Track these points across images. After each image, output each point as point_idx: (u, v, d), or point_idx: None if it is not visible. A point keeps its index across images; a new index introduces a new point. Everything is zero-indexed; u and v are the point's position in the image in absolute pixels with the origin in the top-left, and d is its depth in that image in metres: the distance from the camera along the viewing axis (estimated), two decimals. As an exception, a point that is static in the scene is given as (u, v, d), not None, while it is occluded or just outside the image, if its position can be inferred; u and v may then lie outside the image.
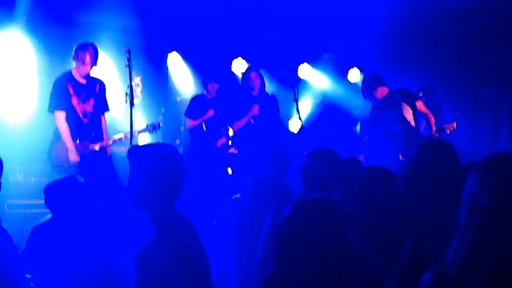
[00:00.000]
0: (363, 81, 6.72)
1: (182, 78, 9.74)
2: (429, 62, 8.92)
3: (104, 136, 6.10)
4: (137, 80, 9.32)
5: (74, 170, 5.55)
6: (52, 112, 5.85)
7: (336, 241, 1.97)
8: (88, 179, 5.30)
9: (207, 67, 8.41)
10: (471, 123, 8.28)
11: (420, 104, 6.58)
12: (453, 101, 8.28)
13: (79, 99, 5.86)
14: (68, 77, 5.88)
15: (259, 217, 3.48)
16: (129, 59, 5.40)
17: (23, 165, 7.32)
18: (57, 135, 5.86)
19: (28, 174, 7.35)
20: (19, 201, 6.84)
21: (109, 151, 6.10)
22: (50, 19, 7.81)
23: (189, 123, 7.29)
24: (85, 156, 5.85)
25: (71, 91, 5.83)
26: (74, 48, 5.87)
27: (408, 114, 6.47)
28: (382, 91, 6.55)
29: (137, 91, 9.27)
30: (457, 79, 8.53)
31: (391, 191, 2.74)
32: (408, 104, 6.49)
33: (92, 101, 5.95)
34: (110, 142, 5.98)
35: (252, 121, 6.68)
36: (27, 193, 6.87)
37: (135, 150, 2.66)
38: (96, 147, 5.91)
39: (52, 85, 5.89)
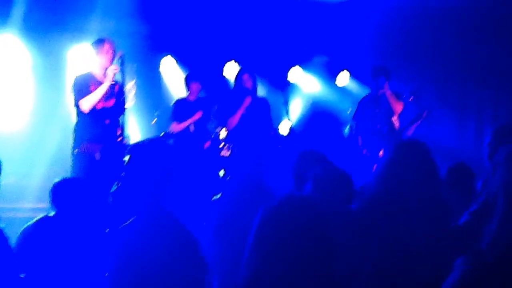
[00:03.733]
0: (373, 66, 6.83)
1: (176, 81, 9.83)
2: (416, 62, 9.07)
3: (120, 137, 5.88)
4: (131, 84, 9.39)
5: (98, 170, 5.50)
6: (78, 105, 5.60)
7: (320, 239, 1.95)
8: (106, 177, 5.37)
9: (197, 69, 8.35)
10: (455, 121, 8.45)
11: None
12: (438, 99, 8.42)
13: (101, 98, 5.64)
14: (89, 76, 5.67)
15: (239, 217, 3.49)
16: (122, 64, 5.50)
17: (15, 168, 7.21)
18: (80, 136, 5.66)
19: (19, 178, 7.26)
20: (7, 204, 6.55)
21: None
22: (45, 23, 7.85)
23: (175, 126, 7.14)
24: (107, 156, 5.67)
25: (92, 88, 5.59)
26: (92, 46, 5.73)
27: (399, 109, 6.64)
28: (382, 87, 6.66)
29: (131, 94, 9.33)
30: (442, 78, 8.70)
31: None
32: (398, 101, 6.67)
33: (113, 101, 5.75)
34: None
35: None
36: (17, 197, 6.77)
37: (135, 146, 2.80)
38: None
39: (73, 82, 5.67)
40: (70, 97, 5.75)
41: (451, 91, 8.58)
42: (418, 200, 2.82)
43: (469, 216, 2.83)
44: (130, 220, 2.54)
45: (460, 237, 2.52)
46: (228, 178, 4.18)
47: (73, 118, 5.78)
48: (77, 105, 5.63)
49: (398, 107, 6.67)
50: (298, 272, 1.90)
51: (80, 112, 5.66)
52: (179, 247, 2.53)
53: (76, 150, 5.65)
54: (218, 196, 4.10)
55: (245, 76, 6.65)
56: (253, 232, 2.07)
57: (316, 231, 1.96)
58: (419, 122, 6.88)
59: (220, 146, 7.71)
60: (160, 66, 9.69)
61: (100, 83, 5.62)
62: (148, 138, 6.40)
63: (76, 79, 5.68)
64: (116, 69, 5.56)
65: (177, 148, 2.44)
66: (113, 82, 5.67)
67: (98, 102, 5.57)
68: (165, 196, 2.63)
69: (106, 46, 5.65)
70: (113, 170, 5.39)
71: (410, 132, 6.72)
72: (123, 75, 5.52)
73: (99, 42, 5.70)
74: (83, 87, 5.57)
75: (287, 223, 1.95)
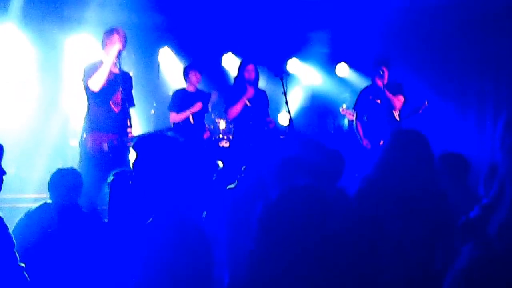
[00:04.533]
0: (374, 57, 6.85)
1: (174, 72, 9.81)
2: (416, 53, 9.08)
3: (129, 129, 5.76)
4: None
5: (105, 161, 5.38)
6: (88, 88, 5.47)
7: (321, 226, 1.96)
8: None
9: (196, 59, 8.32)
10: (456, 111, 8.46)
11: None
12: (440, 93, 8.42)
13: (111, 88, 5.54)
14: (99, 63, 5.53)
15: (254, 207, 3.48)
16: (119, 55, 5.44)
17: (16, 159, 7.21)
18: (89, 125, 5.55)
19: (20, 168, 7.21)
20: (8, 195, 6.38)
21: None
22: (43, 14, 7.81)
23: (174, 117, 7.08)
24: (116, 147, 5.53)
25: None
26: (103, 35, 5.63)
27: (398, 104, 6.64)
28: (383, 78, 6.65)
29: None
30: (442, 68, 8.70)
31: None
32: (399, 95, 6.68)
33: (121, 92, 5.62)
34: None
35: (248, 104, 6.55)
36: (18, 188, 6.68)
37: (141, 140, 2.77)
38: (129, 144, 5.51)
39: (83, 69, 5.55)
40: (80, 85, 5.63)
41: (452, 81, 8.59)
42: (414, 189, 2.83)
43: (480, 210, 2.79)
44: (146, 221, 2.52)
45: (469, 228, 2.50)
46: (244, 169, 4.10)
47: (76, 108, 5.65)
48: (87, 90, 5.52)
49: (398, 102, 6.66)
50: (301, 263, 1.90)
51: (90, 100, 5.58)
52: (192, 248, 2.50)
53: (84, 138, 5.54)
54: (233, 185, 4.05)
55: (249, 67, 6.58)
56: (255, 227, 2.06)
57: (317, 223, 1.96)
58: (419, 111, 6.87)
59: (219, 137, 7.69)
60: (158, 57, 9.66)
61: (110, 72, 5.49)
62: (151, 132, 6.34)
63: (86, 66, 5.58)
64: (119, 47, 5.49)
65: (184, 142, 2.39)
66: (117, 71, 5.60)
67: (104, 80, 5.41)
68: (176, 193, 2.61)
69: (115, 36, 5.56)
70: (120, 162, 5.30)
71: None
72: (120, 66, 5.49)
73: (109, 31, 5.61)
74: (93, 71, 5.46)
75: (288, 215, 1.96)
